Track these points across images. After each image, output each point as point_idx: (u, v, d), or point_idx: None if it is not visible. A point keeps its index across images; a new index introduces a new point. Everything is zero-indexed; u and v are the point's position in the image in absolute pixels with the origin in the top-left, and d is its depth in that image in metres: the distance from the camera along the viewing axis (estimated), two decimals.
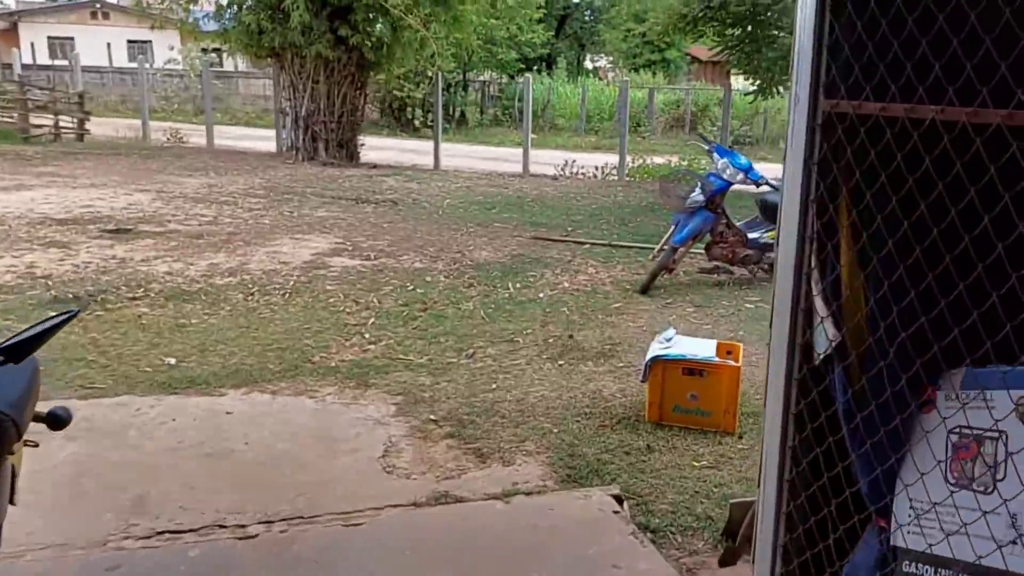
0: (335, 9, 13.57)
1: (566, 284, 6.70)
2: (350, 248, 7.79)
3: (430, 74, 20.22)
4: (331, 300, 6.07)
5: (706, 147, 6.72)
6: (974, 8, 1.60)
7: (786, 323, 2.14)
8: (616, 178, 14.51)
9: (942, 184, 1.71)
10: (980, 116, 1.58)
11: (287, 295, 6.15)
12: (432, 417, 4.05)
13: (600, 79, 32.45)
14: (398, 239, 8.27)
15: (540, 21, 25.75)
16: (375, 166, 14.85)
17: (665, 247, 6.53)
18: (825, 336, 2.06)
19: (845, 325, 2.02)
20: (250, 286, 6.35)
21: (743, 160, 6.45)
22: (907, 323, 1.84)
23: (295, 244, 7.84)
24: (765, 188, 6.53)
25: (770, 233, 6.68)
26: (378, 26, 14.16)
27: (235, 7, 14.24)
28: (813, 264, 2.08)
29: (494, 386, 4.48)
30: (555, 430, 3.92)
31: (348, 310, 5.85)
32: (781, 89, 13.16)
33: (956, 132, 1.63)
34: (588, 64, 36.63)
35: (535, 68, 29.11)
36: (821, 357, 2.09)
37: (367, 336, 5.31)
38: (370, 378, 4.56)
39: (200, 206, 9.69)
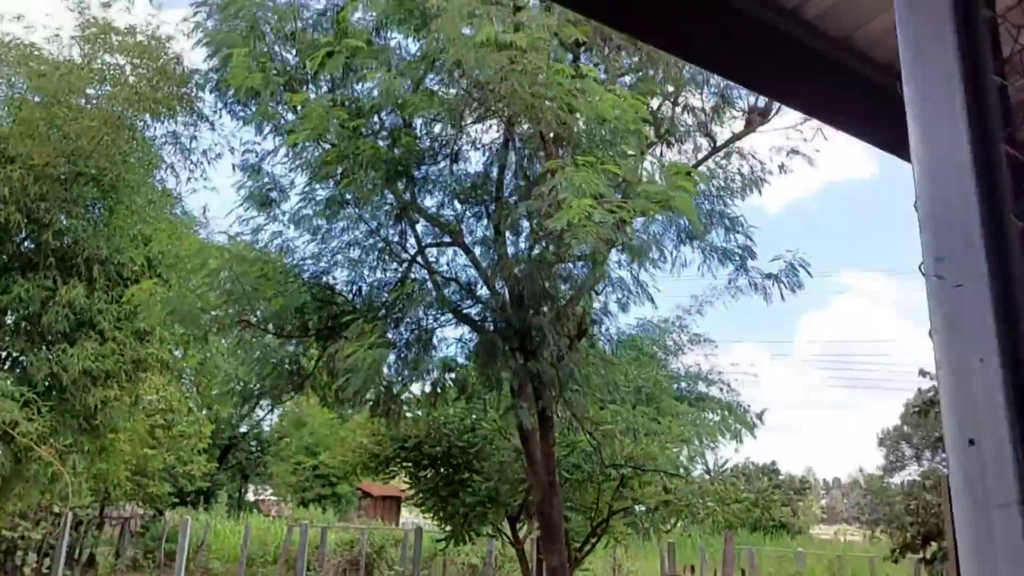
0: None
1: None
2: None
3: (57, 510, 16.72)
4: None
5: None
6: None
7: None
8: None
9: None
10: None
11: None
12: None
13: (264, 513, 29.93)
14: None
15: (203, 451, 23.68)
16: None
17: None
18: None
19: None
20: None
21: None
22: None
23: None
24: None
25: None
26: None
27: None
28: None
29: None
30: None
31: None
32: (474, 535, 12.50)
33: None
34: (251, 496, 34.02)
35: (190, 502, 26.03)
36: None
37: None
38: None
39: None
